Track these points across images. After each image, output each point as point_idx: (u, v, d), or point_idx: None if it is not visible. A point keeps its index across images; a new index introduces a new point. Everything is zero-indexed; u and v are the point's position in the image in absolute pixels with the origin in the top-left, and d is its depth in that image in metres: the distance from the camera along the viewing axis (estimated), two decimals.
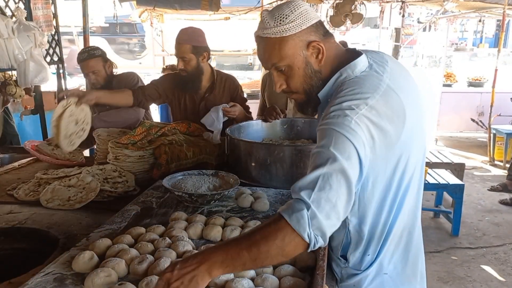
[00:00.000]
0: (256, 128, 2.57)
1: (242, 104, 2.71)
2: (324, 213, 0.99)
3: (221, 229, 1.46)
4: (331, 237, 1.25)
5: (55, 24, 3.41)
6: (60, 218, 1.77)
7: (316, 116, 1.38)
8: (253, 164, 2.09)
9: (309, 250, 1.01)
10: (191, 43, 2.54)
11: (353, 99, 1.10)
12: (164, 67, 5.56)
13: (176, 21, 7.39)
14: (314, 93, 1.26)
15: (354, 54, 1.24)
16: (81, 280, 1.14)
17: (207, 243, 1.39)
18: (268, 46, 1.22)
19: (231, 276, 1.16)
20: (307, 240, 0.99)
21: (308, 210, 0.99)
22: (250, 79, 9.51)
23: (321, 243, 1.01)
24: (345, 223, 1.23)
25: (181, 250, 1.29)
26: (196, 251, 1.29)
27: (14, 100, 3.27)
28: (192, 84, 2.65)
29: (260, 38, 1.23)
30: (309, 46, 1.21)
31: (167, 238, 1.36)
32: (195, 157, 2.27)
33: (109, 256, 1.25)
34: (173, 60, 7.77)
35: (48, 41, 3.23)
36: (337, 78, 1.22)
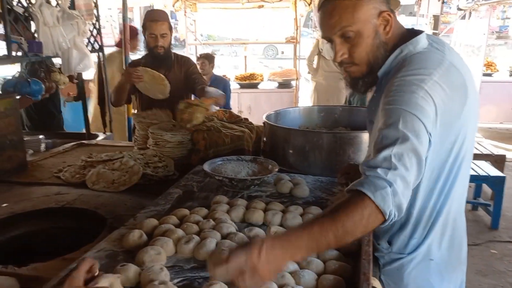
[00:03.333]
0: (293, 116, 2.57)
1: (200, 79, 2.83)
2: (401, 191, 0.98)
3: (262, 213, 1.47)
4: None
5: (96, 13, 3.49)
6: (106, 200, 1.83)
7: (368, 96, 1.36)
8: (290, 151, 2.09)
9: (384, 225, 1.01)
10: (167, 20, 2.71)
11: (417, 74, 1.09)
12: (198, 55, 5.61)
13: (209, 10, 7.42)
14: (377, 66, 1.23)
15: (413, 32, 1.23)
16: (132, 257, 1.18)
17: (249, 226, 1.41)
18: (340, 9, 1.17)
19: None
20: (387, 216, 0.98)
21: (390, 188, 0.97)
22: (281, 68, 9.44)
23: (395, 219, 1.01)
24: None
25: (225, 231, 1.31)
26: (238, 233, 1.31)
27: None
28: (168, 60, 2.78)
29: (329, 1, 1.19)
30: (380, 15, 1.18)
31: (210, 220, 1.39)
32: (233, 143, 2.30)
33: (156, 235, 1.29)
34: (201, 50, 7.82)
35: (89, 30, 3.31)
36: (397, 55, 1.21)
